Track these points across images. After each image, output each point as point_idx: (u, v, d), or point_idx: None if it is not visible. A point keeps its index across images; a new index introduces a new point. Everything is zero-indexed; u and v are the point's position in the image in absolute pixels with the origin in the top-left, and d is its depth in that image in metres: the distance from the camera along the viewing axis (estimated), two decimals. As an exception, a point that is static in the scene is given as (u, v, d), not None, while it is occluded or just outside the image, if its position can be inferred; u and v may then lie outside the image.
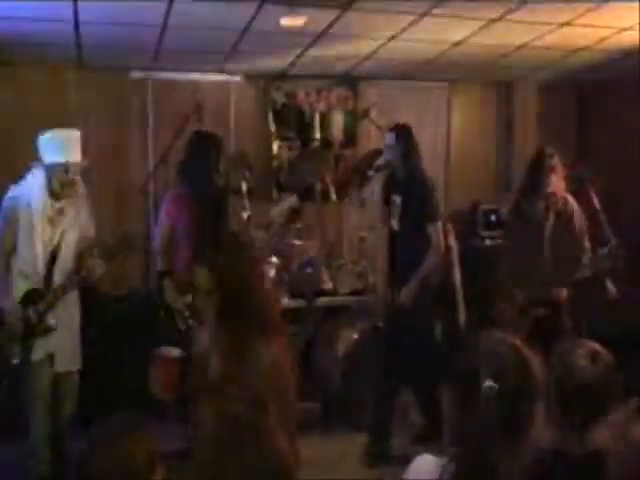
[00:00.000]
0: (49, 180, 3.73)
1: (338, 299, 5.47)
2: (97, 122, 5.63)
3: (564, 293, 4.58)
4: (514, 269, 4.62)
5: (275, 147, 6.13)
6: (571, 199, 4.64)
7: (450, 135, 6.63)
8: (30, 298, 3.71)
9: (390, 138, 4.54)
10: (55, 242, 3.76)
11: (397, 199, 4.52)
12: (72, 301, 3.90)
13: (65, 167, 3.72)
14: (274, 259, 5.30)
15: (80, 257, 3.82)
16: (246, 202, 4.85)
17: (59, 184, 3.73)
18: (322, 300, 5.40)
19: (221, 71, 5.80)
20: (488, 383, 1.64)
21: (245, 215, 4.81)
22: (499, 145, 6.74)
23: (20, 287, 3.72)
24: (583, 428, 2.03)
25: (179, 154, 4.82)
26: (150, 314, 4.96)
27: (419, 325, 4.49)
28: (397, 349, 4.46)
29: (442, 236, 4.52)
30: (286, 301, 5.31)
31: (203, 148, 4.58)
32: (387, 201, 4.65)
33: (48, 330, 3.73)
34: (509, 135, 6.65)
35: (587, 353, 2.11)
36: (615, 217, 4.55)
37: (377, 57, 5.39)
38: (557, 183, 4.56)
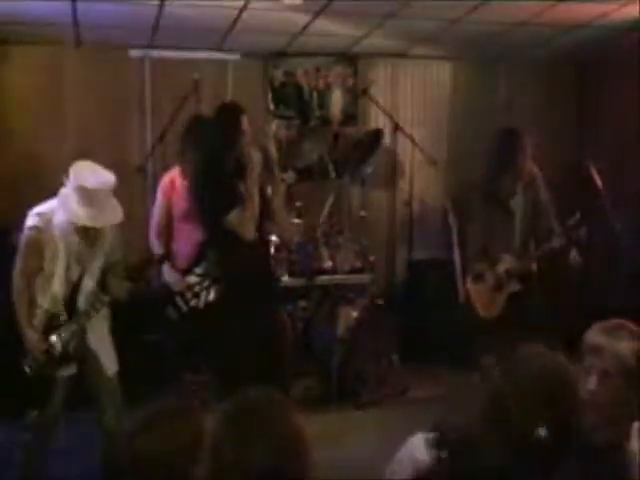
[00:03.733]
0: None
1: (338, 277, 5.47)
2: (95, 101, 5.60)
3: (534, 267, 4.59)
4: (484, 248, 4.63)
5: (274, 126, 6.11)
6: (536, 170, 4.64)
7: (451, 113, 6.60)
8: (52, 325, 3.51)
9: None
10: (78, 275, 3.54)
11: None
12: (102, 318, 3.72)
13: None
14: (274, 238, 5.30)
15: (104, 277, 3.61)
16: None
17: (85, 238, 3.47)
18: (322, 279, 5.41)
19: (219, 49, 5.77)
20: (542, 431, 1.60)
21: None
22: (500, 123, 6.71)
23: (40, 316, 3.51)
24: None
25: (177, 133, 4.82)
26: (150, 296, 4.98)
27: None
28: None
29: None
30: (286, 279, 5.31)
31: (200, 131, 4.57)
32: None
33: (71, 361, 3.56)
34: (510, 112, 6.62)
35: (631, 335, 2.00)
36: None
37: (376, 34, 5.36)
38: (526, 162, 4.55)
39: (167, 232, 4.65)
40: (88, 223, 3.36)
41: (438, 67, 6.50)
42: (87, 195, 3.32)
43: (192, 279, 4.56)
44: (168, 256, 4.58)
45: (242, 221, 3.96)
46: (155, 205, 4.71)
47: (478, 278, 4.66)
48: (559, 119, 6.56)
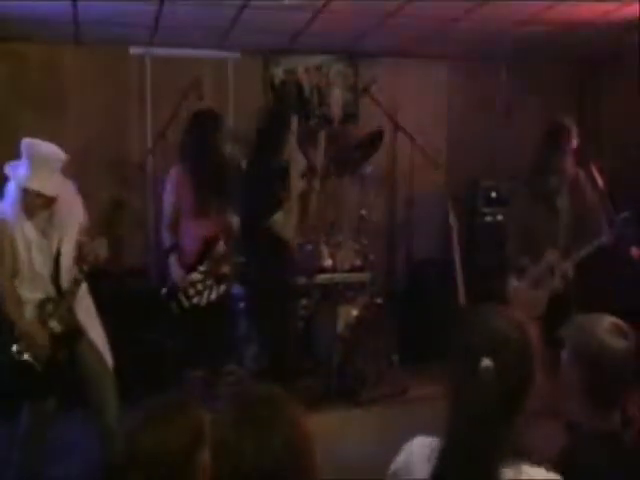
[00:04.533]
0: (22, 199, 3.45)
1: (338, 276, 5.47)
2: (96, 98, 5.60)
3: (570, 269, 4.58)
4: (529, 245, 4.59)
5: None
6: (580, 172, 4.64)
7: (450, 111, 6.60)
8: (45, 308, 3.53)
9: None
10: (54, 249, 3.56)
11: None
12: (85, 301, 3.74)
13: (37, 193, 3.44)
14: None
15: (79, 247, 3.62)
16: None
17: (33, 207, 3.48)
18: (322, 277, 5.40)
19: (220, 47, 5.76)
20: (486, 362, 1.60)
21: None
22: (499, 122, 6.71)
23: (29, 306, 3.53)
24: (610, 405, 2.00)
25: (178, 130, 4.81)
26: (150, 293, 4.97)
27: None
28: None
29: None
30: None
31: (202, 126, 4.57)
32: None
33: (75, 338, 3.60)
34: (509, 112, 6.62)
35: (611, 328, 2.04)
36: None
37: (377, 33, 5.35)
38: (572, 159, 4.54)
39: (176, 226, 4.65)
40: (31, 185, 3.40)
41: (439, 66, 6.50)
42: (38, 161, 3.41)
43: (195, 276, 4.57)
44: (176, 249, 4.58)
45: (286, 223, 3.97)
46: (165, 199, 4.69)
47: (520, 273, 4.62)
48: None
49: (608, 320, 2.05)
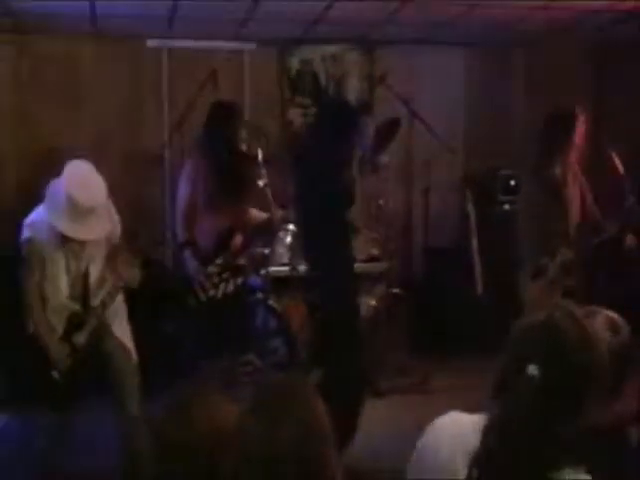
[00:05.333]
0: (58, 235, 3.37)
1: (355, 266, 5.46)
2: (113, 91, 5.63)
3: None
4: (542, 239, 4.46)
5: (290, 114, 6.10)
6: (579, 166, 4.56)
7: (467, 99, 6.56)
8: (73, 326, 3.52)
9: None
10: (82, 269, 3.54)
11: None
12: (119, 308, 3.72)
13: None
14: (291, 226, 5.30)
15: (110, 261, 3.59)
16: (262, 170, 4.85)
17: (67, 240, 3.42)
18: (339, 267, 5.39)
19: (236, 38, 5.76)
20: (532, 369, 1.50)
21: (261, 183, 4.82)
22: (517, 110, 6.67)
23: (58, 315, 3.52)
24: (608, 399, 1.98)
25: (194, 122, 4.83)
26: (168, 284, 5.00)
27: None
28: None
29: None
30: (304, 268, 5.31)
31: (221, 118, 4.58)
32: None
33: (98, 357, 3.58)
34: (527, 99, 6.57)
35: (606, 323, 1.97)
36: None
37: (393, 21, 5.32)
38: (578, 149, 4.43)
39: (191, 220, 4.65)
40: (70, 234, 3.35)
41: (455, 53, 6.45)
42: (74, 206, 3.30)
43: (212, 269, 4.58)
44: (192, 243, 4.59)
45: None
46: (180, 192, 4.69)
47: (539, 272, 4.38)
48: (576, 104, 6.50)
49: (603, 314, 2.03)
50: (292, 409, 1.59)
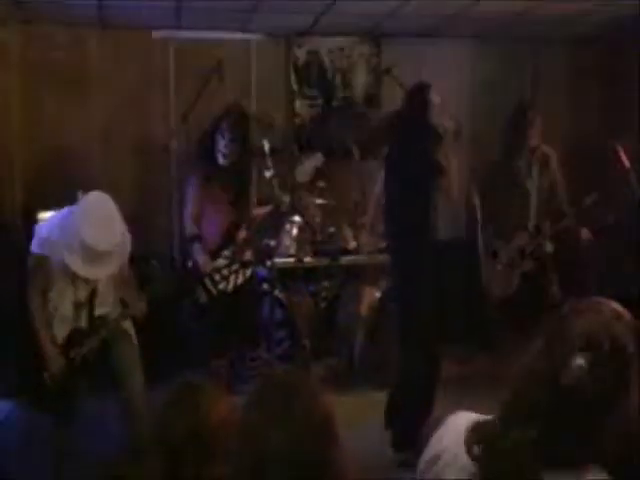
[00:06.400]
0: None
1: (361, 258, 5.47)
2: (120, 81, 5.62)
3: (549, 246, 4.71)
4: (499, 224, 4.71)
5: (297, 106, 6.09)
6: (551, 152, 4.75)
7: (475, 93, 6.53)
8: (73, 341, 3.54)
9: None
10: (90, 291, 3.53)
11: None
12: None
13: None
14: (297, 218, 5.31)
15: (118, 291, 3.63)
16: (269, 161, 4.86)
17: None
18: (345, 259, 5.41)
19: (243, 29, 5.75)
20: (579, 360, 1.49)
21: (268, 174, 4.83)
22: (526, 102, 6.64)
23: (60, 330, 3.54)
24: None
25: (201, 113, 4.84)
26: (176, 276, 5.01)
27: None
28: None
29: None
30: (310, 260, 5.32)
31: (230, 120, 4.61)
32: None
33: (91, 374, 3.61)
34: (535, 92, 6.54)
35: (612, 316, 2.02)
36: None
37: (401, 13, 5.31)
38: (537, 136, 4.64)
39: (199, 215, 4.68)
40: (83, 275, 3.35)
41: (463, 47, 6.43)
42: (88, 251, 3.25)
43: (220, 262, 4.60)
44: (200, 237, 4.61)
45: (448, 188, 4.02)
46: (189, 190, 4.73)
47: (493, 255, 4.79)
48: (585, 99, 6.48)
49: (608, 305, 2.02)
50: (293, 404, 1.58)
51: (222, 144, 4.62)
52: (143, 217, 5.12)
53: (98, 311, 3.59)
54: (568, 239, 4.78)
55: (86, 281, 3.49)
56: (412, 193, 4.00)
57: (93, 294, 3.56)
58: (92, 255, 3.25)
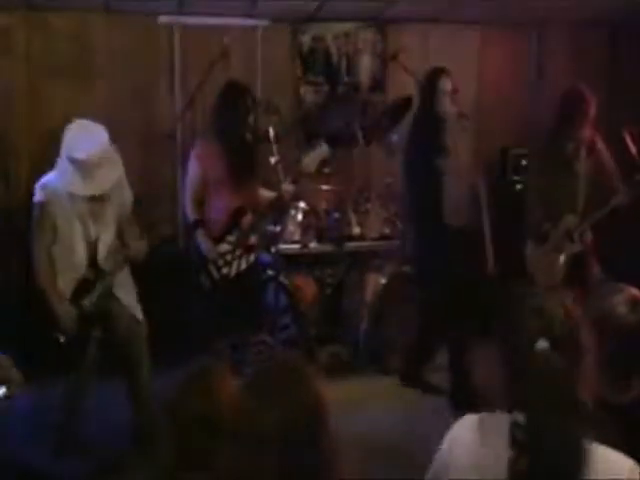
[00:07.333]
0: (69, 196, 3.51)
1: (366, 244, 5.48)
2: (124, 67, 5.61)
3: (589, 237, 4.69)
4: (548, 208, 4.71)
5: (302, 92, 6.08)
6: (599, 139, 4.71)
7: (481, 79, 6.52)
8: (82, 290, 3.62)
9: None
10: (98, 232, 3.64)
11: None
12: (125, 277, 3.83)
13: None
14: (302, 204, 5.31)
15: (122, 233, 3.73)
16: (274, 148, 4.85)
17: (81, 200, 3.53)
18: (350, 245, 5.41)
19: (248, 15, 5.74)
20: (542, 343, 1.57)
21: (273, 161, 4.82)
22: (531, 89, 6.62)
23: (66, 279, 3.62)
24: (626, 378, 1.99)
25: (206, 99, 4.82)
26: (181, 265, 5.02)
27: None
28: None
29: None
30: (314, 246, 5.33)
31: (233, 99, 4.57)
32: None
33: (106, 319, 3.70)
34: (541, 78, 6.52)
35: (626, 300, 2.02)
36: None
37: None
38: (589, 126, 4.60)
39: (201, 198, 4.65)
40: (81, 192, 3.44)
41: (469, 32, 6.40)
42: (78, 165, 3.38)
43: (224, 247, 4.59)
44: (202, 222, 4.59)
45: (453, 169, 4.19)
46: (190, 170, 4.69)
47: (542, 239, 4.75)
48: (591, 85, 6.44)
49: (628, 291, 2.03)
50: (286, 388, 1.60)
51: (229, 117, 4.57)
52: (148, 204, 5.12)
53: (102, 261, 3.65)
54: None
55: (89, 221, 3.58)
56: (422, 176, 4.13)
57: (96, 242, 3.63)
58: (83, 170, 3.38)
